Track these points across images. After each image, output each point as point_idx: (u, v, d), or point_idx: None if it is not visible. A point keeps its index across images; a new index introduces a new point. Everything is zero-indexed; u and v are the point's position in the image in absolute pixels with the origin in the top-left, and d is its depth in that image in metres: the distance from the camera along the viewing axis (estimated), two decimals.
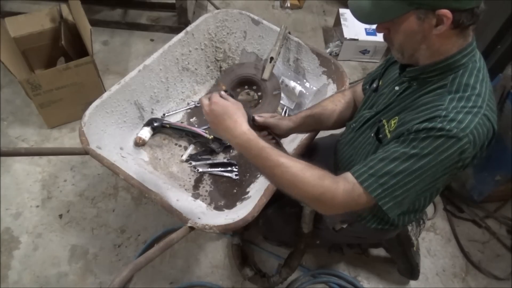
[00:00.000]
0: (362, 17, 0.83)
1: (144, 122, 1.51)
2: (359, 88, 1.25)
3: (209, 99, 0.92)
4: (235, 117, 0.88)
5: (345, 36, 2.32)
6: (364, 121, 1.05)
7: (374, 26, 0.88)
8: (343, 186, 0.82)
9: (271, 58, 1.56)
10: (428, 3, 0.76)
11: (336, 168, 1.19)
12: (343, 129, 1.26)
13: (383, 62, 1.11)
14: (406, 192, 0.80)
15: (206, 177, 1.47)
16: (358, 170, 0.83)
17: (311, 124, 1.22)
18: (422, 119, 0.80)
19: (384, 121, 0.95)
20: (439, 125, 0.76)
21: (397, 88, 0.96)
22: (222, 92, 0.95)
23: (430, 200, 1.09)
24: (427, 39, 0.81)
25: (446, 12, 0.74)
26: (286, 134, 1.19)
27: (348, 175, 0.84)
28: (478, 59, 0.85)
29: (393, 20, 0.81)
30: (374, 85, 1.08)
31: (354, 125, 1.11)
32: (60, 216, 1.67)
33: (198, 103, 1.67)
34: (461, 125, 0.76)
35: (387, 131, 0.93)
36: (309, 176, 0.82)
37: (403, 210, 0.84)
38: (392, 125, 0.91)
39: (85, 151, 1.17)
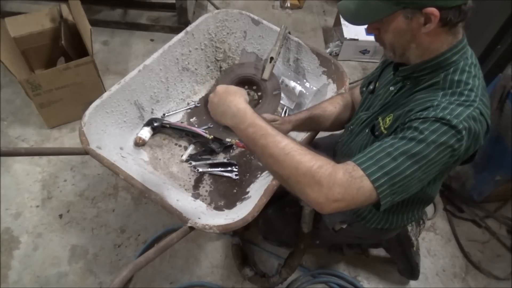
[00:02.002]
0: (350, 18, 0.83)
1: (144, 122, 1.51)
2: (357, 90, 1.26)
3: None
4: (239, 95, 0.85)
5: (345, 36, 2.32)
6: (361, 122, 1.06)
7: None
8: (343, 167, 0.75)
9: (271, 58, 1.56)
10: (414, 2, 0.76)
11: None
12: (343, 130, 1.26)
13: (380, 64, 1.13)
14: (405, 179, 0.75)
15: (206, 177, 1.47)
16: (357, 156, 0.78)
17: (309, 125, 1.24)
18: (416, 111, 0.80)
19: (379, 118, 0.96)
20: (432, 113, 0.76)
21: (392, 88, 0.97)
22: None
23: (429, 201, 1.09)
24: (416, 37, 0.81)
25: (433, 10, 0.75)
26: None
27: (348, 161, 0.78)
28: (470, 56, 0.86)
29: (382, 20, 0.81)
30: (371, 87, 1.10)
31: (351, 127, 1.12)
32: (60, 216, 1.67)
33: (198, 103, 1.67)
34: (453, 113, 0.76)
35: (382, 128, 0.93)
36: (306, 150, 0.76)
37: (394, 201, 0.78)
38: (387, 122, 0.91)
39: (85, 151, 1.17)
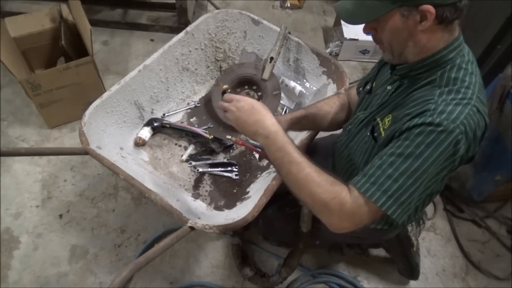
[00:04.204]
0: (347, 18, 0.84)
1: (144, 122, 1.51)
2: (353, 91, 1.26)
3: (231, 99, 0.94)
4: (264, 111, 0.91)
5: (345, 36, 2.32)
6: (359, 122, 1.06)
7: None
8: (351, 195, 0.81)
9: (271, 58, 1.56)
10: None
11: (334, 169, 1.20)
12: (341, 130, 1.26)
13: (376, 64, 1.13)
14: (411, 196, 0.79)
15: (206, 177, 1.47)
16: (359, 181, 0.82)
17: (306, 124, 1.25)
18: (413, 115, 0.81)
19: (378, 119, 0.96)
20: (429, 119, 0.77)
21: (389, 87, 0.97)
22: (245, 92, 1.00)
23: (430, 199, 1.09)
24: (413, 35, 0.82)
25: (428, 7, 0.75)
26: None
27: (351, 186, 0.83)
28: (467, 53, 0.86)
29: (378, 19, 0.82)
30: (368, 87, 1.10)
31: (349, 127, 1.12)
32: (60, 216, 1.67)
33: (198, 103, 1.67)
34: (451, 116, 0.76)
35: (381, 129, 0.93)
36: (323, 180, 0.83)
37: (409, 213, 0.83)
38: (386, 123, 0.92)
39: (85, 151, 1.17)
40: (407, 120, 0.81)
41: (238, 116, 0.92)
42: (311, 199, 0.83)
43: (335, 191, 0.81)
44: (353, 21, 0.84)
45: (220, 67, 1.74)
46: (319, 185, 0.82)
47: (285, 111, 1.69)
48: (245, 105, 0.91)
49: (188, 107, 1.65)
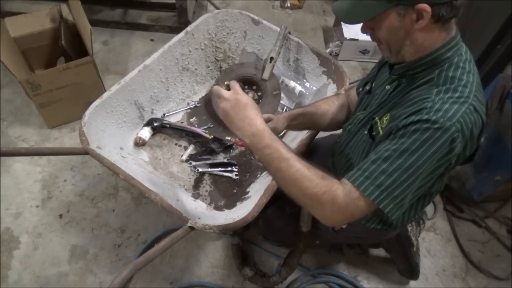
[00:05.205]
0: (344, 17, 0.85)
1: (144, 122, 1.51)
2: (353, 91, 1.27)
3: (232, 89, 0.92)
4: (256, 110, 0.89)
5: (345, 36, 2.32)
6: (358, 122, 1.06)
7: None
8: (343, 189, 0.81)
9: (271, 58, 1.56)
10: None
11: (334, 169, 1.20)
12: (340, 130, 1.26)
13: (376, 65, 1.14)
14: (405, 192, 0.79)
15: (206, 177, 1.47)
16: (353, 174, 0.82)
17: (303, 122, 1.24)
18: (410, 113, 0.81)
19: (376, 118, 0.97)
20: (425, 117, 0.77)
21: (388, 87, 0.98)
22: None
23: (430, 199, 1.09)
24: (410, 34, 0.82)
25: (425, 6, 0.76)
26: (280, 134, 1.21)
27: (345, 180, 0.83)
28: (464, 52, 0.86)
29: (375, 18, 0.82)
30: (367, 87, 1.10)
31: (349, 127, 1.13)
32: (60, 216, 1.67)
33: (198, 103, 1.67)
34: (447, 114, 0.77)
35: (379, 128, 0.94)
36: (313, 175, 0.82)
37: (403, 210, 0.83)
38: (384, 121, 0.92)
39: (85, 151, 1.17)
40: (404, 118, 0.81)
41: (230, 108, 0.89)
42: (303, 194, 0.83)
43: (326, 184, 0.81)
44: (350, 20, 0.85)
45: (220, 67, 1.74)
46: (309, 179, 0.81)
47: (285, 111, 1.69)
48: (243, 99, 0.89)
49: (188, 107, 1.66)
